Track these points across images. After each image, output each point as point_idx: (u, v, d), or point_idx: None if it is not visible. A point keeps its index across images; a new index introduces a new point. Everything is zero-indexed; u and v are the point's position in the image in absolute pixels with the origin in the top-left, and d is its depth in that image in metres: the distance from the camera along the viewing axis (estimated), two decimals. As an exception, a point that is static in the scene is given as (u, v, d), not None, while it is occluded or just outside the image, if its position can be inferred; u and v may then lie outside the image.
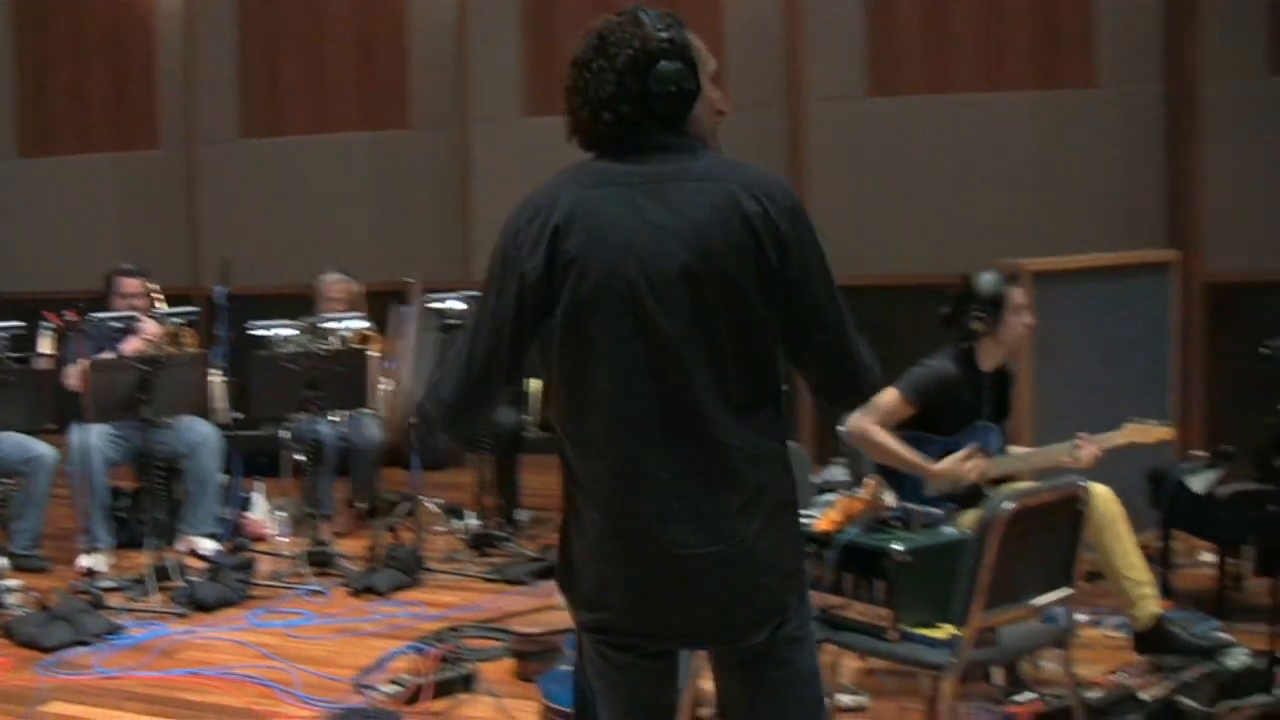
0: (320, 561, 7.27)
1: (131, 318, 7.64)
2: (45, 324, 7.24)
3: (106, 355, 7.26)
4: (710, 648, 2.89)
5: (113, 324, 7.36)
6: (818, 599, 4.30)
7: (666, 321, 2.68)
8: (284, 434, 7.73)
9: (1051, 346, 6.51)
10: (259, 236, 10.83)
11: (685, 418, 2.70)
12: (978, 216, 8.84)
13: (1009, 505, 3.97)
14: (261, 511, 8.21)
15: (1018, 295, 5.35)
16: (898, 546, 4.18)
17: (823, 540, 4.35)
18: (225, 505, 7.87)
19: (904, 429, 5.22)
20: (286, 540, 7.81)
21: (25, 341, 7.47)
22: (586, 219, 2.70)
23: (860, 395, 2.89)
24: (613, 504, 2.73)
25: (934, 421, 5.24)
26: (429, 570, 7.25)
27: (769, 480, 2.77)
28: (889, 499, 4.47)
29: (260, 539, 7.99)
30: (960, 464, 5.08)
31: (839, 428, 5.24)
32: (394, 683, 5.39)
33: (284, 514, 8.05)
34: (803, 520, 2.96)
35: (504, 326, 2.74)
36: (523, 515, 8.28)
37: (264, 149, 11.05)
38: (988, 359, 5.35)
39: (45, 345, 7.32)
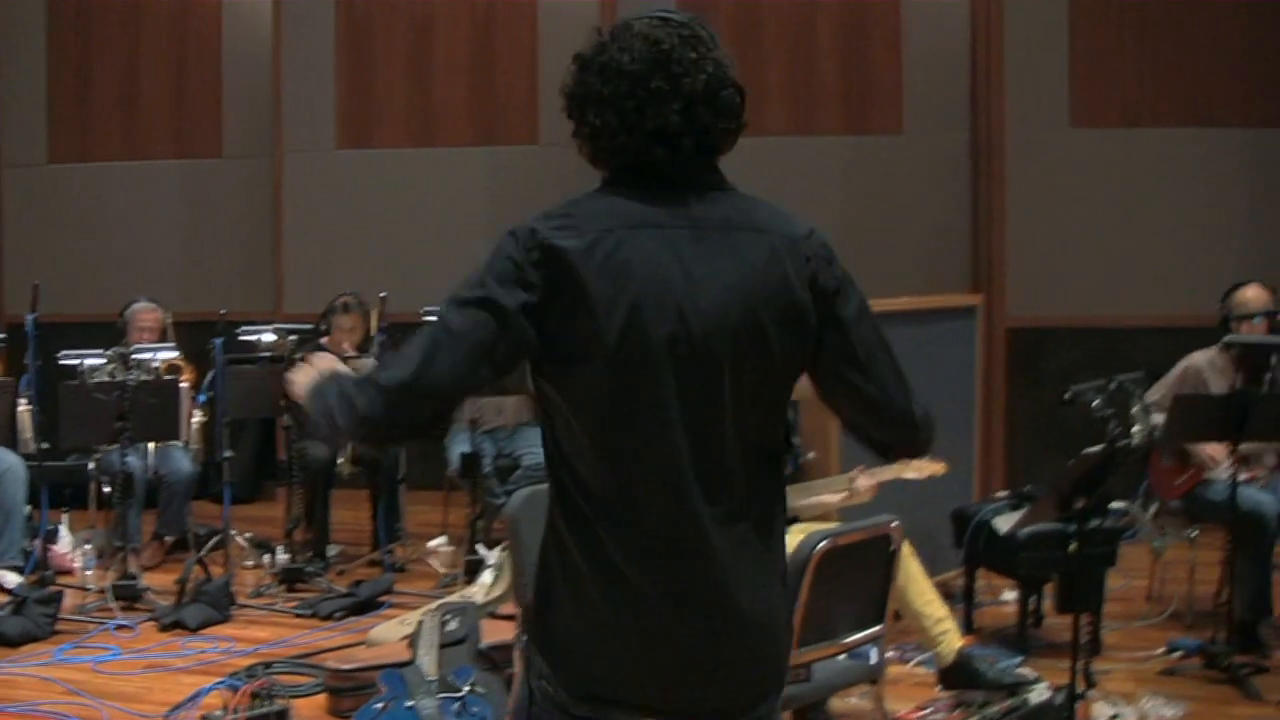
0: (128, 595, 7.16)
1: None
2: None
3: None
4: None
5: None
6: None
7: (704, 377, 2.45)
8: (92, 465, 7.63)
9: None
10: (69, 264, 10.64)
11: (719, 477, 2.49)
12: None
13: (822, 543, 4.10)
14: (67, 544, 8.06)
15: None
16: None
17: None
18: (30, 537, 7.72)
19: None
20: (93, 573, 7.67)
21: None
22: (626, 263, 2.41)
23: (910, 441, 2.68)
24: (645, 567, 2.45)
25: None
26: (239, 605, 7.19)
27: (782, 540, 2.64)
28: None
29: (66, 572, 7.84)
30: None
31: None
32: (205, 719, 5.36)
33: (90, 546, 7.91)
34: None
35: (484, 351, 2.40)
36: (333, 550, 8.25)
37: (73, 174, 10.88)
38: None
39: None
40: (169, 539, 8.26)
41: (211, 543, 7.88)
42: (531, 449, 7.93)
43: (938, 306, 7.28)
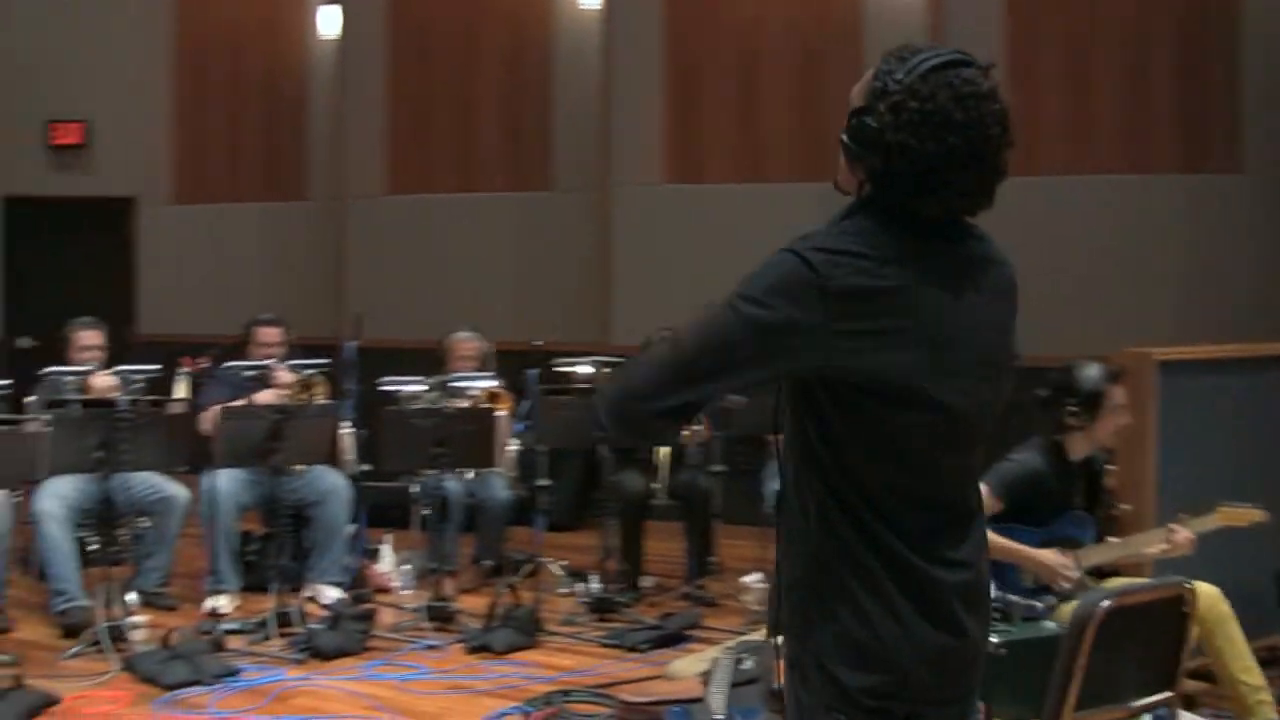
0: (440, 617, 7.30)
1: (264, 367, 7.79)
2: (181, 369, 7.40)
3: (238, 402, 7.38)
4: None
5: (246, 372, 7.48)
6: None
7: (974, 410, 2.56)
8: (413, 488, 7.81)
9: (1177, 437, 6.32)
10: (399, 291, 11.00)
11: (964, 500, 2.65)
12: (1120, 299, 8.72)
13: (1105, 603, 3.86)
14: (388, 563, 8.27)
15: (1118, 394, 5.23)
16: (993, 639, 4.09)
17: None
18: (351, 555, 7.95)
19: (996, 521, 5.13)
20: (409, 593, 7.85)
21: (166, 384, 7.67)
22: (925, 300, 2.46)
23: None
24: (925, 582, 2.54)
25: (1025, 514, 5.14)
26: (547, 632, 7.23)
27: None
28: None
29: (384, 590, 8.06)
30: (1061, 562, 4.98)
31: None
32: (498, 742, 5.40)
33: (409, 567, 8.11)
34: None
35: (746, 361, 2.44)
36: (647, 581, 8.25)
37: (410, 205, 11.22)
38: (1077, 450, 5.26)
39: (180, 389, 7.50)
40: (486, 564, 8.38)
41: (525, 570, 7.97)
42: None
43: (1264, 354, 6.85)
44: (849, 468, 2.53)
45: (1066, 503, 5.25)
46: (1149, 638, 4.11)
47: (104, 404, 6.88)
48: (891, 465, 2.52)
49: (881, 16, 9.71)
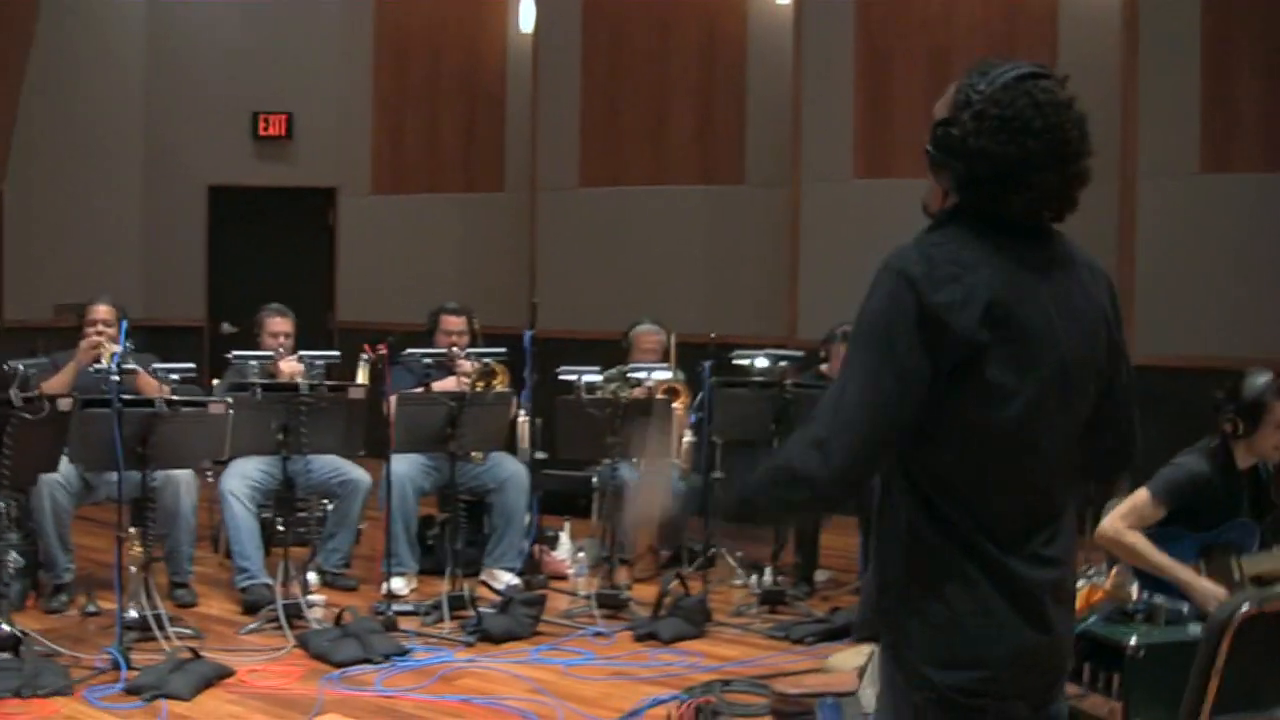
0: (611, 604, 7.35)
1: (443, 355, 7.93)
2: (363, 356, 7.58)
3: (415, 390, 7.52)
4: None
5: (424, 359, 7.62)
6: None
7: (1070, 410, 2.68)
8: (592, 477, 7.88)
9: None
10: (586, 283, 11.11)
11: (1051, 499, 2.70)
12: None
13: (1245, 607, 3.72)
14: (565, 551, 8.36)
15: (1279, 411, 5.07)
16: (1133, 641, 3.99)
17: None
18: (528, 541, 8.05)
19: (1161, 523, 5.01)
20: (583, 580, 7.94)
21: (351, 369, 7.88)
22: (1017, 302, 2.57)
23: (1128, 467, 2.96)
24: (1015, 580, 2.62)
25: (1191, 517, 5.02)
26: (716, 623, 7.25)
27: None
28: (1133, 590, 4.28)
29: (560, 577, 8.15)
30: (1216, 592, 4.82)
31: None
32: (648, 729, 5.44)
33: (583, 554, 8.19)
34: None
35: (914, 387, 2.54)
36: (823, 575, 8.21)
37: (601, 198, 11.32)
38: (1243, 459, 5.11)
39: (361, 375, 7.67)
40: (664, 553, 8.42)
41: (699, 560, 8.00)
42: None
43: None
44: (939, 466, 2.62)
45: (1233, 510, 5.11)
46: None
47: (285, 388, 7.08)
48: (980, 462, 2.60)
49: (1074, 8, 9.53)
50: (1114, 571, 4.28)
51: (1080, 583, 4.40)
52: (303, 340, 8.21)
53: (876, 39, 10.22)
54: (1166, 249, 8.91)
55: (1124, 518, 4.94)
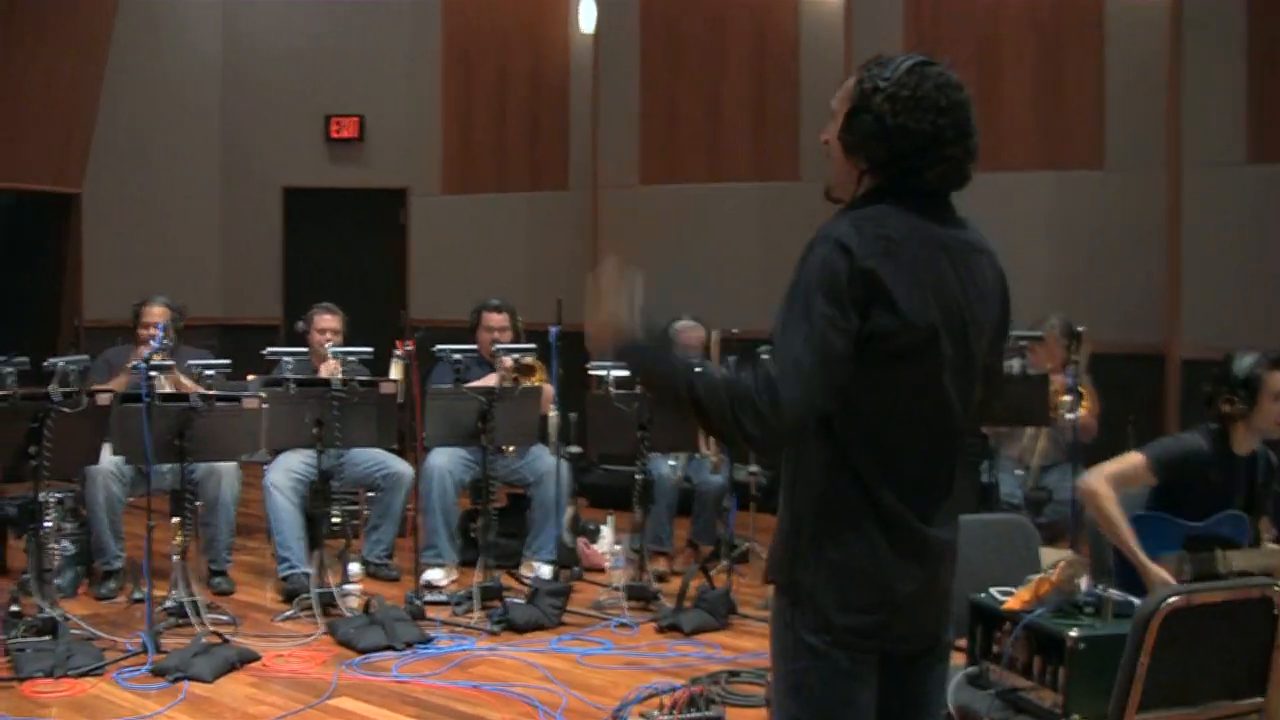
0: (640, 596, 7.50)
1: (474, 351, 8.15)
2: (396, 352, 7.79)
3: (446, 385, 7.71)
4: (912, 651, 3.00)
5: (454, 355, 7.80)
6: (1004, 678, 4.25)
7: (970, 368, 2.94)
8: (635, 472, 8.03)
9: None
10: (648, 279, 11.20)
11: (949, 473, 2.95)
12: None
13: (1170, 600, 3.78)
14: (606, 543, 8.53)
15: (1276, 381, 5.09)
16: (1074, 633, 4.05)
17: (1010, 618, 4.27)
18: (567, 533, 8.23)
19: (1151, 508, 5.06)
20: (619, 572, 8.09)
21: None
22: (933, 265, 2.84)
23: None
24: (910, 514, 2.86)
25: (1182, 502, 5.05)
26: (740, 615, 7.37)
27: None
28: (1082, 583, 4.34)
29: (598, 569, 8.32)
30: (1163, 581, 4.82)
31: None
32: (642, 717, 5.57)
33: (620, 547, 8.35)
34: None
35: (849, 340, 2.75)
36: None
37: (660, 195, 11.47)
38: (1242, 443, 5.12)
39: (395, 371, 7.87)
40: (703, 546, 8.56)
41: (734, 553, 8.11)
42: (1063, 484, 7.67)
43: None
44: (854, 420, 2.83)
45: (1228, 499, 5.12)
46: (1229, 639, 3.98)
47: (318, 383, 7.32)
48: (893, 415, 2.84)
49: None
50: (1061, 564, 4.33)
51: (1032, 575, 4.46)
52: (377, 337, 8.40)
53: (926, 33, 10.25)
54: (1213, 239, 8.88)
55: (1111, 476, 4.96)
